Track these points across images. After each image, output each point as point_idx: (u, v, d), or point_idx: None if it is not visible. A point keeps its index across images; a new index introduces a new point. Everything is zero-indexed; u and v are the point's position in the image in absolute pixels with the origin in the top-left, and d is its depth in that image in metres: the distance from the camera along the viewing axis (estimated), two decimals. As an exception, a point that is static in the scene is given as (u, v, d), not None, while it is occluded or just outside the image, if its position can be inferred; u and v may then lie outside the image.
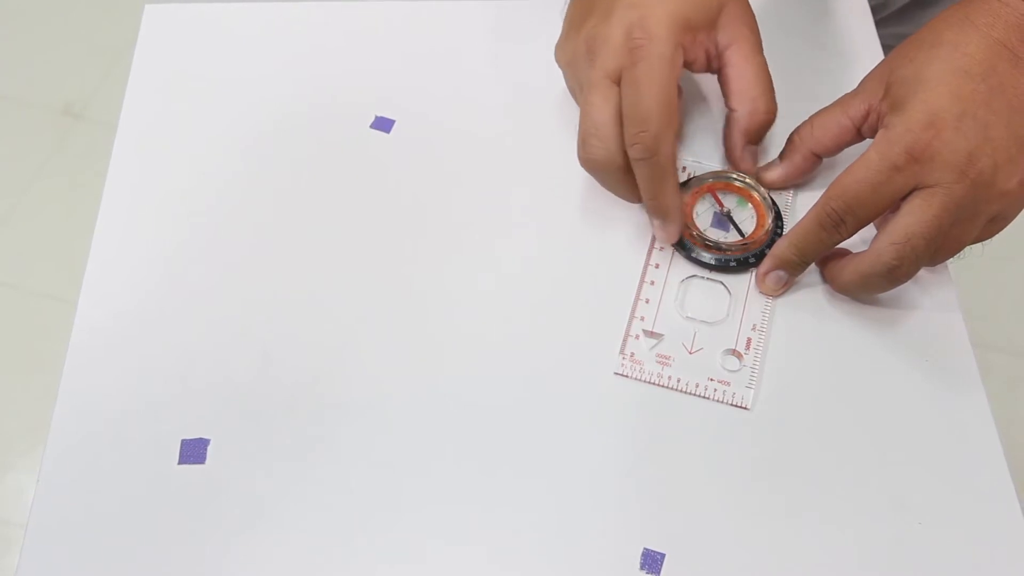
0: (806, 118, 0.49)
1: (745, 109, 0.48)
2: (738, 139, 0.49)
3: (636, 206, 0.50)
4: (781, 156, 0.50)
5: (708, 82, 0.54)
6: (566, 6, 0.51)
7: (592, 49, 0.46)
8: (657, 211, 0.47)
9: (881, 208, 0.43)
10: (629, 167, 0.46)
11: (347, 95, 0.55)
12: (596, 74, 0.45)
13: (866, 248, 0.45)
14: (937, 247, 0.43)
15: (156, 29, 0.58)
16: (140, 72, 0.56)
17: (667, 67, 0.44)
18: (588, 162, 0.47)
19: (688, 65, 0.48)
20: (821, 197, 0.44)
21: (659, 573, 0.41)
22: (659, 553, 0.41)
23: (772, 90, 0.48)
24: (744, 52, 0.47)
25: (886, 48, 0.47)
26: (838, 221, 0.44)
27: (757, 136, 0.49)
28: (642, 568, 0.41)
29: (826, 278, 0.48)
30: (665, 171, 0.45)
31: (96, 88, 1.54)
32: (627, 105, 0.44)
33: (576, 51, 0.48)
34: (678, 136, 0.51)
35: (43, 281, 1.35)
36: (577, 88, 0.50)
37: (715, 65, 0.49)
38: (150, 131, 0.54)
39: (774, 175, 0.50)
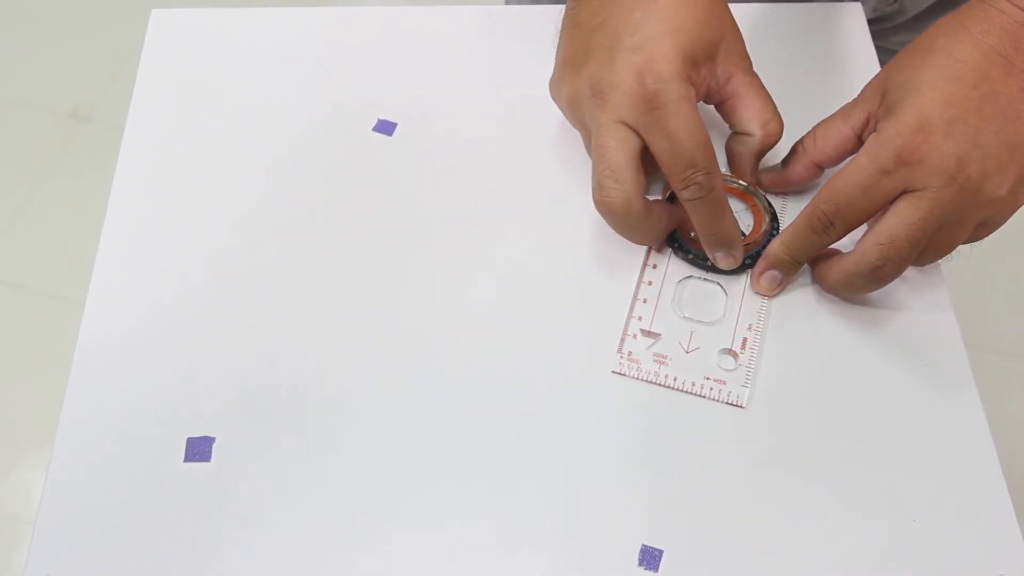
0: (807, 129, 0.49)
1: (760, 132, 0.48)
2: (754, 161, 0.49)
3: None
4: (783, 163, 0.50)
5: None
6: (558, 35, 0.50)
7: (599, 94, 0.45)
8: (720, 243, 0.47)
9: (870, 211, 0.44)
10: (646, 210, 0.46)
11: (350, 98, 0.56)
12: (607, 117, 0.45)
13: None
14: (923, 250, 0.44)
15: (162, 33, 0.58)
16: (146, 75, 0.57)
17: (690, 106, 0.44)
18: (605, 204, 0.45)
19: None
20: (812, 199, 0.45)
21: (657, 569, 0.41)
22: (657, 549, 0.42)
23: (778, 110, 0.49)
24: (746, 81, 0.48)
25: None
26: (827, 224, 0.45)
27: (765, 153, 0.50)
28: (640, 564, 0.41)
29: (815, 278, 0.48)
30: (722, 204, 0.46)
31: (103, 91, 1.55)
32: (666, 150, 0.44)
33: (578, 93, 0.47)
34: None
35: (50, 282, 1.36)
36: (580, 129, 0.49)
37: (715, 98, 0.49)
38: (156, 134, 0.54)
39: (773, 180, 0.51)
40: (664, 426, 0.45)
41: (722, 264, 0.48)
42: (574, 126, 0.50)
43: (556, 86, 0.50)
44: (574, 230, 0.51)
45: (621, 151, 0.44)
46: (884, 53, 0.58)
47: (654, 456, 0.44)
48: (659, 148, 0.44)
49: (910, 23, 0.64)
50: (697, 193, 0.44)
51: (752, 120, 0.48)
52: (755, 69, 0.49)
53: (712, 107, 0.51)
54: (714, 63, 0.47)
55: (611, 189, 0.45)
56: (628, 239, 0.48)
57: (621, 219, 0.46)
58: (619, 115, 0.44)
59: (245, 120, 0.55)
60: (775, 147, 0.52)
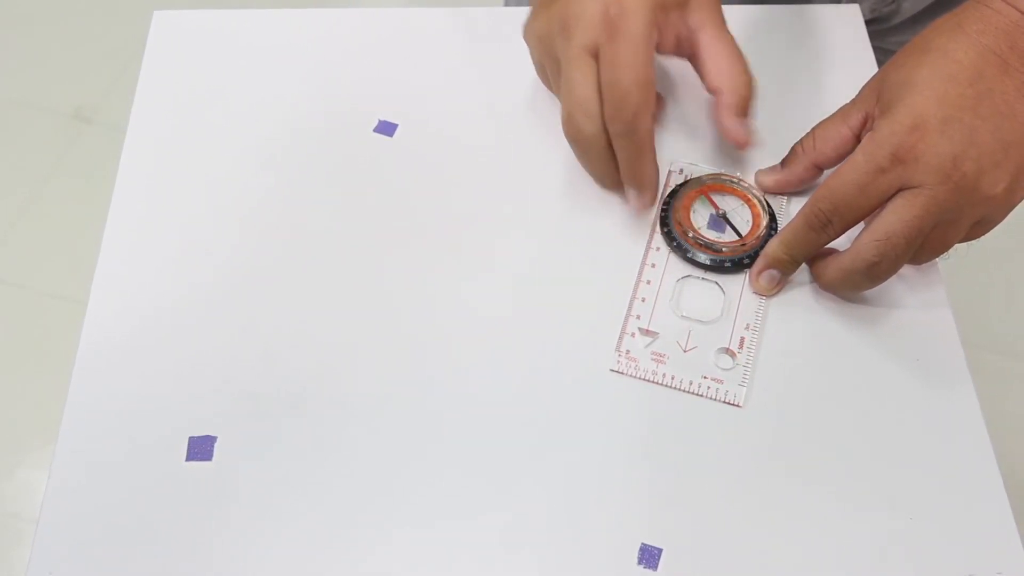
0: (806, 130, 0.50)
1: (727, 87, 0.49)
2: (728, 116, 0.49)
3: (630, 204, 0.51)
4: (783, 163, 0.51)
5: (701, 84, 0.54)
6: None
7: (567, 25, 0.47)
8: (634, 182, 0.49)
9: (867, 209, 0.44)
10: (610, 145, 0.47)
11: (351, 99, 0.56)
12: (573, 49, 0.46)
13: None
14: (919, 247, 0.44)
15: (165, 35, 0.59)
16: (149, 77, 0.57)
17: (643, 45, 0.45)
18: (575, 135, 0.48)
19: (658, 46, 0.48)
20: (810, 198, 0.45)
21: (656, 568, 0.42)
22: (656, 548, 0.42)
23: (746, 64, 0.49)
24: (715, 33, 0.49)
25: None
26: (825, 222, 0.45)
27: (744, 109, 0.50)
28: (640, 563, 0.42)
29: (813, 276, 0.48)
30: (643, 146, 0.47)
31: (106, 93, 1.55)
32: (606, 83, 0.45)
33: (549, 27, 0.48)
34: (656, 118, 0.52)
35: (54, 282, 1.36)
36: (549, 64, 0.50)
37: (686, 49, 0.50)
38: (158, 135, 0.54)
39: (772, 180, 0.51)
40: (662, 425, 0.45)
41: (632, 203, 0.50)
42: (543, 65, 0.51)
43: (529, 26, 0.51)
44: (574, 230, 0.51)
45: (587, 84, 0.46)
46: (881, 54, 0.58)
47: (652, 454, 0.44)
48: (603, 77, 0.46)
49: (907, 24, 0.64)
50: (620, 130, 0.46)
51: (720, 75, 0.49)
52: (755, 70, 0.49)
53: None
54: (684, 10, 0.48)
55: (580, 122, 0.47)
56: (593, 174, 0.50)
57: (588, 152, 0.48)
58: (583, 43, 0.46)
59: (246, 121, 0.55)
60: (774, 150, 0.52)
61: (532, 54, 0.52)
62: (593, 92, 0.46)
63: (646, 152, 0.47)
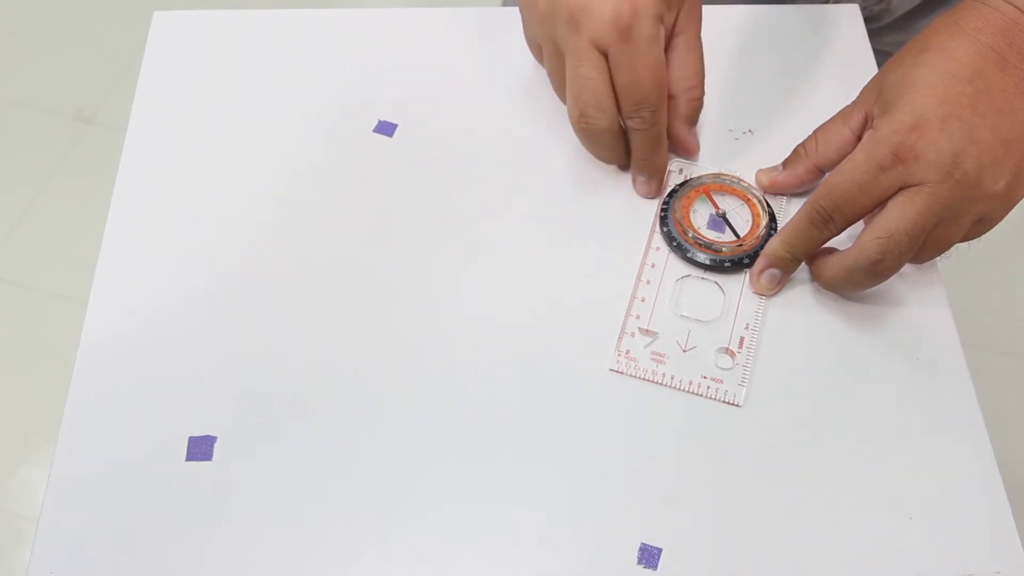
0: (807, 131, 0.50)
1: (684, 97, 0.50)
2: (681, 125, 0.52)
3: (634, 199, 0.52)
4: (784, 164, 0.51)
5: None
6: None
7: (575, 16, 0.46)
8: (647, 170, 0.51)
9: (868, 207, 0.44)
10: (620, 133, 0.49)
11: (351, 99, 0.56)
12: (583, 43, 0.46)
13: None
14: (921, 245, 0.44)
15: (165, 35, 0.59)
16: (149, 77, 0.57)
17: (657, 46, 0.47)
18: (588, 130, 0.49)
19: None
20: (811, 195, 0.45)
21: (656, 568, 0.42)
22: (656, 548, 0.42)
23: (704, 76, 0.51)
24: (690, 41, 0.50)
25: (888, 56, 0.48)
26: (827, 218, 0.45)
27: (695, 119, 0.52)
28: (639, 563, 0.42)
29: (813, 275, 0.48)
30: (660, 138, 0.49)
31: (107, 93, 1.55)
32: (625, 82, 0.47)
33: (555, 11, 0.47)
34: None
35: (55, 282, 1.36)
36: (546, 45, 0.49)
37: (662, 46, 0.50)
38: (158, 135, 0.55)
39: (773, 181, 0.51)
40: (661, 424, 0.45)
41: (640, 189, 0.52)
42: (538, 44, 0.50)
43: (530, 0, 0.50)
44: (573, 230, 0.51)
45: (599, 80, 0.47)
46: (876, 54, 0.58)
47: (651, 454, 0.44)
48: (619, 79, 0.47)
49: (900, 22, 0.64)
50: (641, 125, 0.48)
51: (679, 82, 0.50)
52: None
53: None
54: (679, 11, 0.49)
55: (594, 117, 0.48)
56: (598, 157, 0.52)
57: (598, 141, 0.50)
58: (593, 40, 0.46)
59: (246, 121, 0.55)
60: (774, 150, 0.52)
61: (527, 27, 0.52)
62: (606, 87, 0.47)
63: (661, 144, 0.50)
